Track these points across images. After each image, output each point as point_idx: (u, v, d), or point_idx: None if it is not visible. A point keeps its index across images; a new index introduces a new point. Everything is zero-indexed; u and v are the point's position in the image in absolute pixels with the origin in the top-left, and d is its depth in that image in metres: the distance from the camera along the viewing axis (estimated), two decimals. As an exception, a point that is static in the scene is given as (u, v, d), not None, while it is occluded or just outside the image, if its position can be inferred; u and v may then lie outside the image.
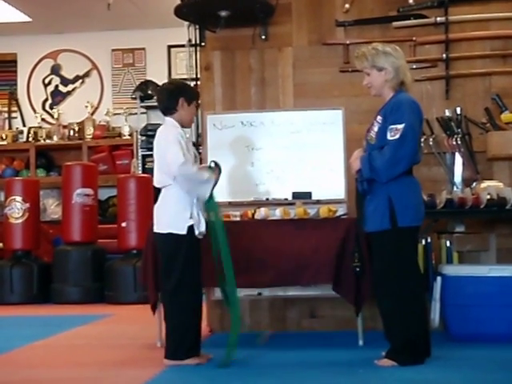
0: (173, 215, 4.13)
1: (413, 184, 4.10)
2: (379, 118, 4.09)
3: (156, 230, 4.22)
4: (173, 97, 4.21)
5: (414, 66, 5.37)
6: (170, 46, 9.86)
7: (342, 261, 4.54)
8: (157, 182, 4.25)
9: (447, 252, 5.06)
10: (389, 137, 3.98)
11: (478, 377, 3.76)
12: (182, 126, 4.23)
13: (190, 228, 4.09)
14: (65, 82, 10.27)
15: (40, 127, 9.98)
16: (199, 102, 4.37)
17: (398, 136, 3.94)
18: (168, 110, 4.22)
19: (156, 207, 4.26)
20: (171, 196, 4.14)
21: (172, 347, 4.12)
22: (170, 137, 4.11)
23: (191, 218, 4.09)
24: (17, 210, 8.17)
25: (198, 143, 5.92)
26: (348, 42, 5.43)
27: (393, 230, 3.98)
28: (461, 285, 4.70)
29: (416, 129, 4.03)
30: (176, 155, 4.03)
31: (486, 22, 5.39)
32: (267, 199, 5.17)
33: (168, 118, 4.24)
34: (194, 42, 5.72)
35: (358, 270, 4.46)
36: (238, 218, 4.86)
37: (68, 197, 8.08)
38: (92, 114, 9.98)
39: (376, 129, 4.09)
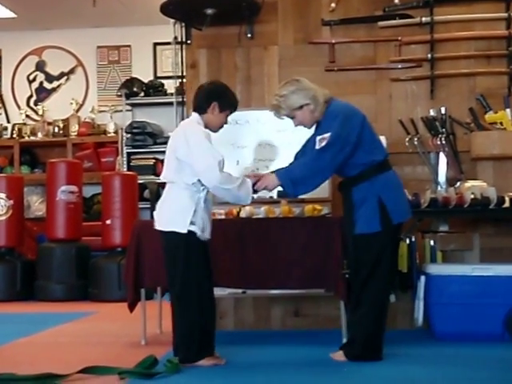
0: (174, 212, 3.99)
1: (395, 179, 4.16)
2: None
3: (157, 227, 4.09)
4: (207, 98, 4.08)
5: (400, 66, 5.40)
6: (155, 44, 9.84)
7: (329, 260, 4.52)
8: (163, 177, 4.12)
9: (431, 251, 5.08)
10: (316, 146, 4.02)
11: (460, 375, 3.78)
12: (205, 127, 4.09)
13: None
14: (50, 78, 10.23)
15: (24, 124, 9.93)
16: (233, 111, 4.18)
17: (323, 144, 3.98)
18: (199, 109, 4.09)
19: (159, 203, 4.14)
20: (174, 193, 4.01)
21: (182, 349, 4.01)
22: (199, 138, 3.96)
23: (193, 222, 3.94)
24: (0, 206, 8.12)
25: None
26: (334, 42, 5.43)
27: (384, 230, 4.01)
28: (444, 284, 4.72)
29: (344, 136, 3.99)
30: (212, 168, 3.89)
31: (471, 22, 5.41)
32: (252, 197, 5.17)
33: (195, 114, 4.11)
34: (179, 40, 5.72)
35: (347, 276, 4.37)
36: (222, 216, 4.85)
37: (52, 194, 8.05)
38: (77, 111, 9.93)
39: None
